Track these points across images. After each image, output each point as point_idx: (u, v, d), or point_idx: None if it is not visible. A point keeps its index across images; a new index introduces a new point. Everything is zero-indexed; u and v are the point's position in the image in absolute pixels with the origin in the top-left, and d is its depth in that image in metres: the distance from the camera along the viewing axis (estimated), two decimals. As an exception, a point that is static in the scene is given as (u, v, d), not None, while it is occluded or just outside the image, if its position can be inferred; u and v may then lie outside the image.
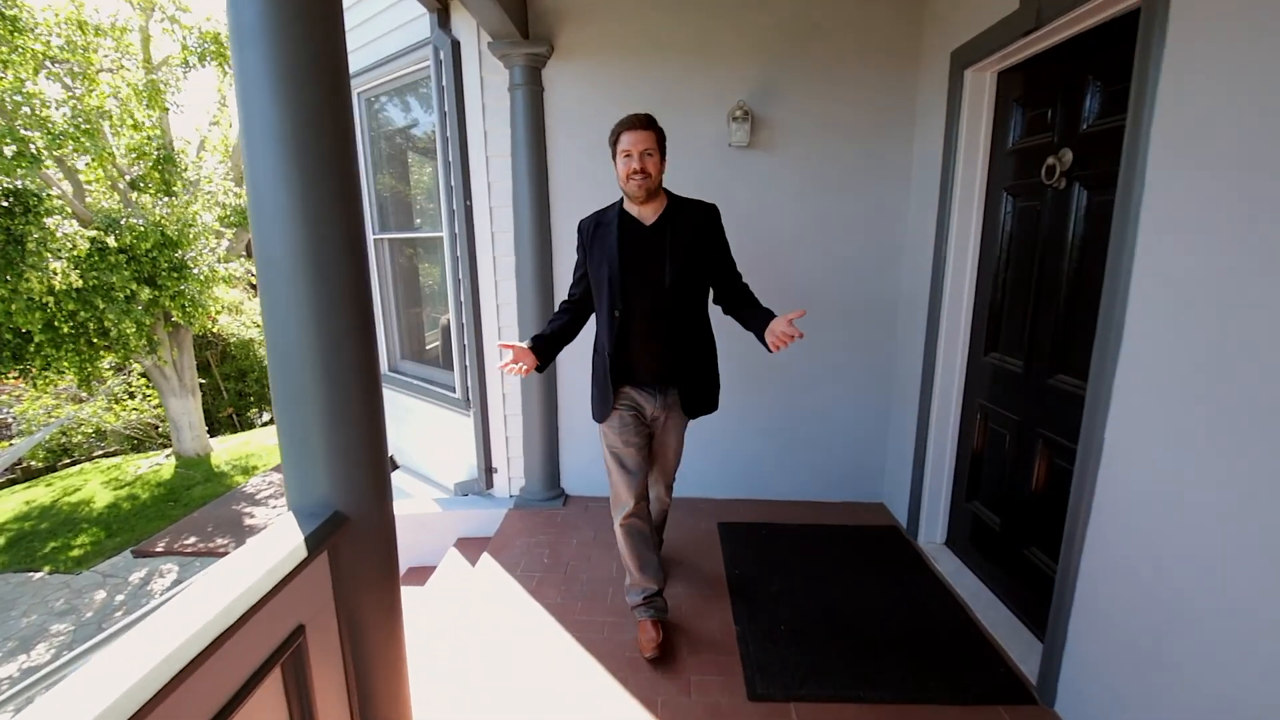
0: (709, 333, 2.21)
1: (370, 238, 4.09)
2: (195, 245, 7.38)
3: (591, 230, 2.13)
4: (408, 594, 3.41)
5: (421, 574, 3.43)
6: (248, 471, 9.31)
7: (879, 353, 3.17)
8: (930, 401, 2.77)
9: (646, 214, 2.05)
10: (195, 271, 7.28)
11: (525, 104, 2.93)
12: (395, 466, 4.46)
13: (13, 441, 10.21)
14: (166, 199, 7.18)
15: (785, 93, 2.90)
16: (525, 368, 1.99)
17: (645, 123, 1.96)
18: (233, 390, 14.96)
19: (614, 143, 2.00)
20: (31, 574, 6.74)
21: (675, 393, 2.15)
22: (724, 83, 2.90)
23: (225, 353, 14.76)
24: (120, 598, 6.10)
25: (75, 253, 6.04)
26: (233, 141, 8.90)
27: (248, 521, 5.71)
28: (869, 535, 3.00)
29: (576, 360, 3.20)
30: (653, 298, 2.03)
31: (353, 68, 3.84)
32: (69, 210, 6.46)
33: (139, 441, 12.32)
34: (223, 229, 8.26)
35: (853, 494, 3.34)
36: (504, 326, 3.28)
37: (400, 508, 3.56)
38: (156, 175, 7.09)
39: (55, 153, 5.68)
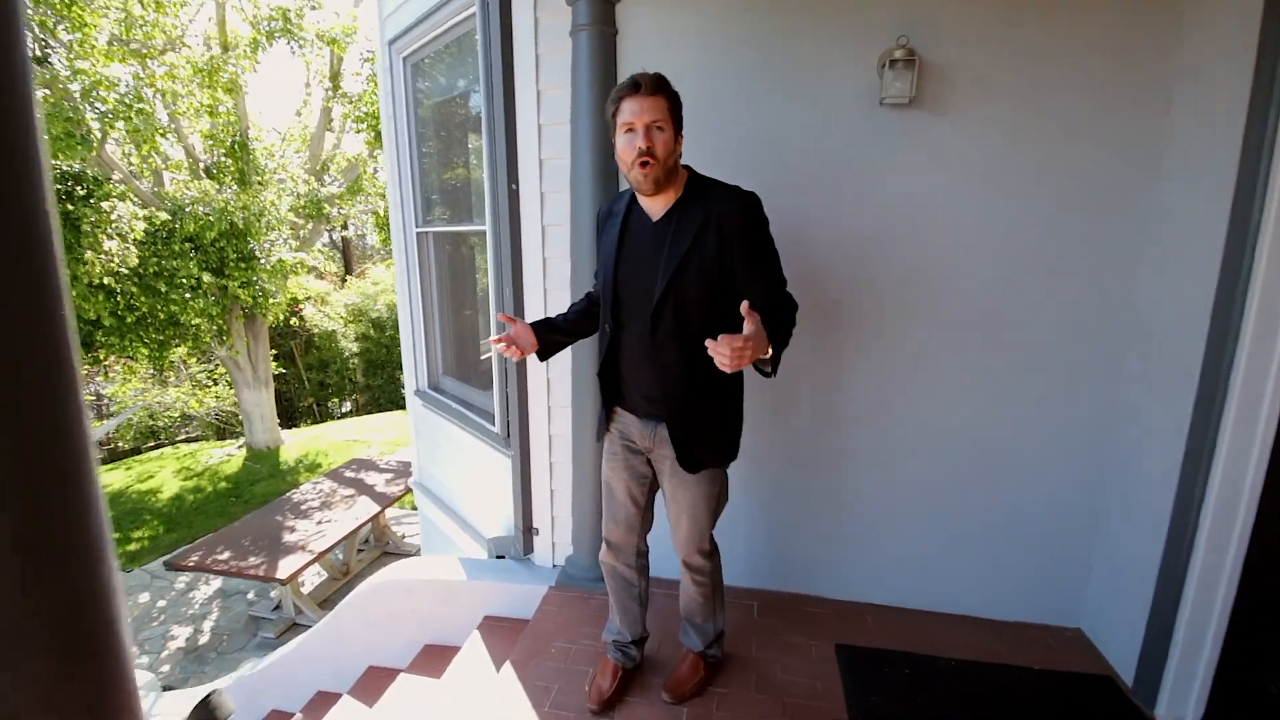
0: (725, 381, 1.71)
1: (413, 230, 3.49)
2: (266, 235, 7.26)
3: (602, 220, 1.83)
4: (418, 684, 2.78)
5: (438, 657, 2.79)
6: (312, 469, 9.21)
7: (1089, 405, 2.19)
8: (1200, 491, 1.78)
9: (655, 207, 1.65)
10: (264, 262, 7.15)
11: (591, 52, 2.17)
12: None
13: (102, 422, 10.68)
14: (237, 188, 7.09)
15: (969, 24, 1.99)
16: (520, 350, 1.73)
17: (653, 85, 1.52)
18: (314, 380, 15.31)
19: (613, 115, 1.58)
20: (90, 567, 6.75)
21: (665, 431, 1.74)
22: (873, 12, 2.02)
23: (310, 343, 15.13)
24: (162, 603, 5.93)
25: (133, 236, 5.94)
26: (311, 130, 8.83)
27: (285, 538, 5.35)
28: (1070, 690, 2.03)
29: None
30: (647, 314, 1.65)
31: (395, 27, 3.25)
32: (130, 196, 6.43)
33: (222, 428, 12.73)
34: (297, 219, 8.14)
35: (1037, 612, 2.36)
36: (559, 369, 2.54)
37: (423, 570, 2.93)
38: (230, 163, 7.03)
39: (109, 134, 5.60)
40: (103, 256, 5.73)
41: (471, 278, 3.52)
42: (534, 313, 2.53)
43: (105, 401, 11.19)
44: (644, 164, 1.52)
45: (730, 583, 2.55)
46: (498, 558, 3.03)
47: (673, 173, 1.59)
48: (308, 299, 13.91)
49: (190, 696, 3.84)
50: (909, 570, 2.42)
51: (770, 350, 1.45)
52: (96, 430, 9.96)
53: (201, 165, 7.40)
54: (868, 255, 2.19)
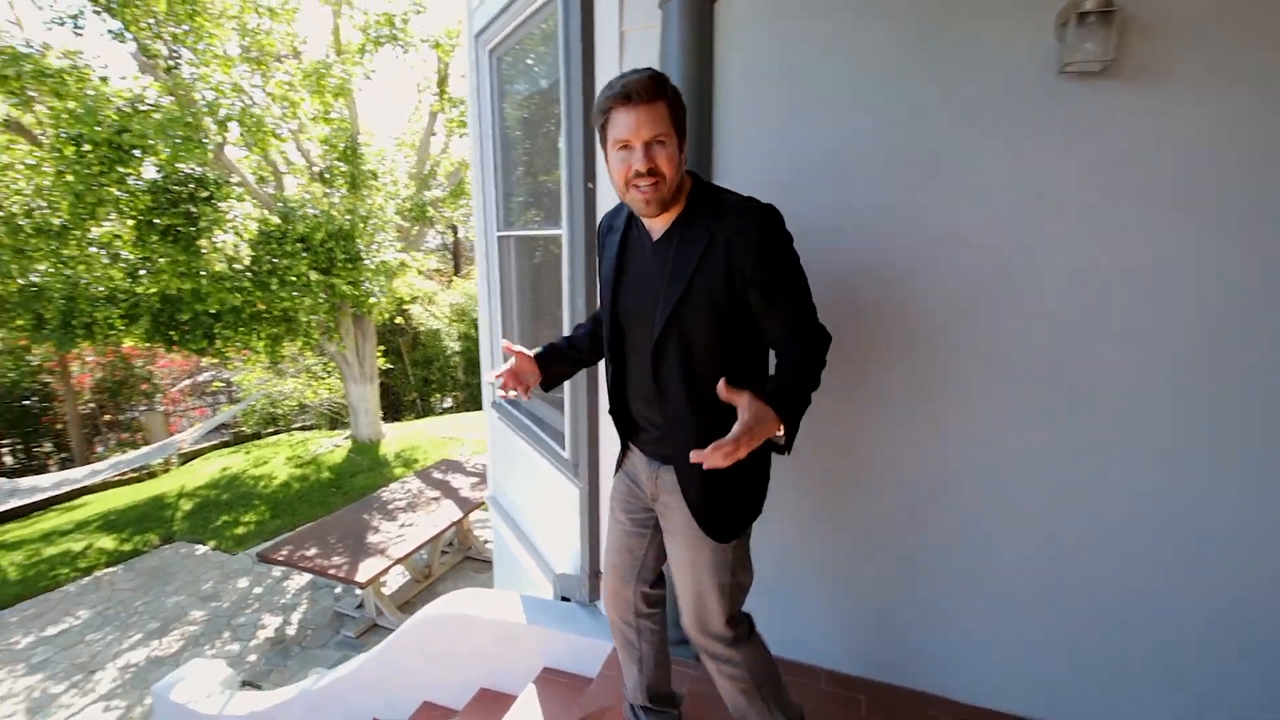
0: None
1: (494, 234, 3.30)
2: (372, 237, 7.53)
3: (602, 235, 1.59)
4: (465, 735, 2.55)
5: (494, 704, 2.57)
6: (407, 464, 9.51)
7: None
8: None
9: (656, 223, 1.41)
10: (368, 263, 7.41)
11: (683, 29, 1.84)
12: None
13: (228, 407, 11.60)
14: (346, 191, 7.39)
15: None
16: (524, 385, 1.56)
17: (651, 91, 1.25)
18: (419, 376, 16.05)
19: (601, 127, 1.32)
20: (198, 546, 7.26)
21: (673, 477, 1.47)
22: (1057, -48, 1.54)
23: (416, 340, 15.87)
24: (258, 590, 6.20)
25: (248, 236, 6.29)
26: (419, 135, 9.11)
27: (369, 538, 5.40)
28: None
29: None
30: (648, 350, 1.42)
31: (482, 18, 3.07)
32: (248, 198, 6.83)
33: (334, 418, 13.57)
34: (403, 222, 8.41)
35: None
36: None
37: (482, 606, 2.71)
38: (341, 168, 7.34)
39: (224, 137, 5.96)
40: (220, 256, 6.10)
41: (551, 286, 3.28)
42: None
43: (233, 388, 12.21)
44: (650, 184, 1.28)
45: (834, 666, 2.13)
46: (562, 599, 2.75)
47: (680, 187, 1.35)
48: (414, 299, 14.57)
49: (268, 698, 3.87)
50: (1097, 680, 1.88)
51: (782, 428, 1.23)
52: (223, 414, 10.85)
53: (316, 169, 7.80)
54: (1013, 285, 1.70)
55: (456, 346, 15.74)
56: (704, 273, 1.32)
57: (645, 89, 1.23)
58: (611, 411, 1.61)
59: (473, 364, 15.96)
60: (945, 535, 1.92)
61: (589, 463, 2.40)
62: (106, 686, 4.86)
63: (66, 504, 9.20)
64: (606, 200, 2.15)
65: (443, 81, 8.50)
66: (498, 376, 1.57)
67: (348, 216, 7.10)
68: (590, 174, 2.19)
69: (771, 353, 1.48)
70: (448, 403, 16.89)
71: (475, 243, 3.54)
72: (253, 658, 5.20)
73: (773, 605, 2.23)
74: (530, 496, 3.34)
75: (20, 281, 6.27)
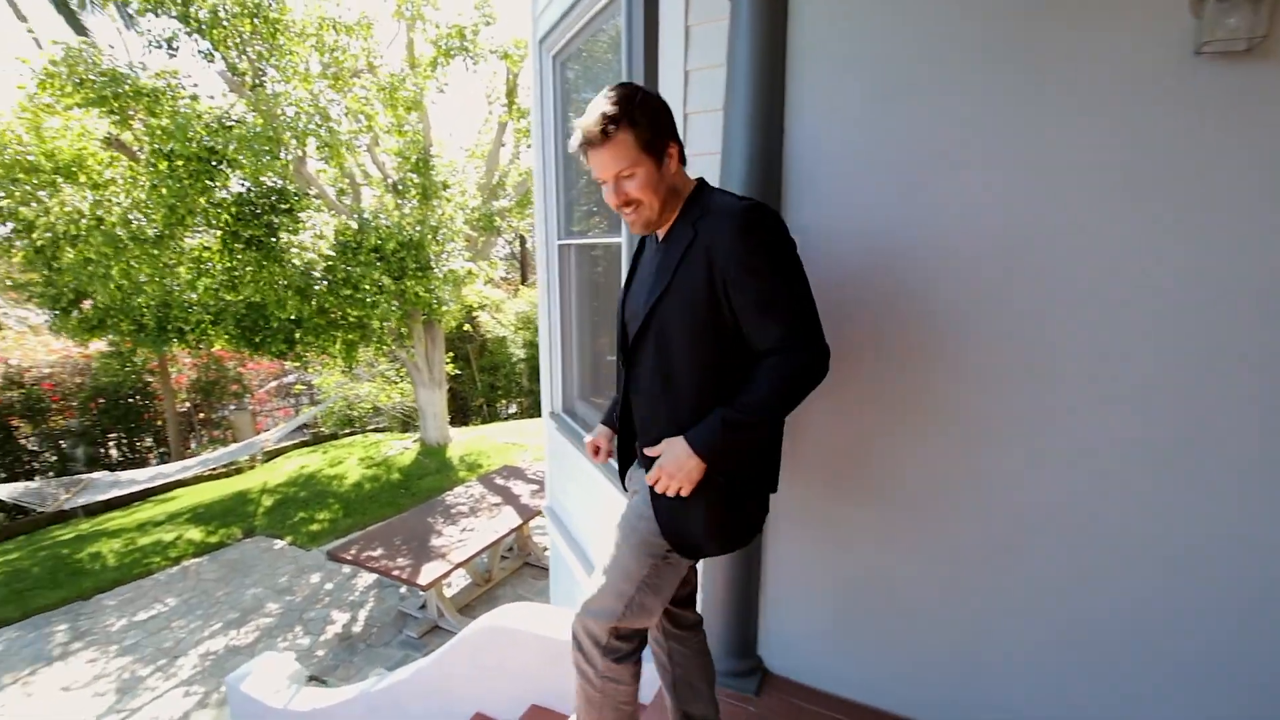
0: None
1: (554, 243, 3.27)
2: (442, 246, 7.73)
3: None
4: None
5: (542, 724, 2.48)
6: (471, 469, 9.69)
7: None
8: None
9: (661, 232, 1.43)
10: (437, 271, 7.60)
11: (755, 15, 1.72)
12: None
13: (308, 408, 12.16)
14: (418, 202, 7.63)
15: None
16: (606, 455, 1.71)
17: (601, 133, 1.24)
18: (485, 382, 16.42)
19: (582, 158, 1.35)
20: (276, 541, 7.60)
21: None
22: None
23: (483, 347, 16.25)
24: (329, 586, 6.41)
25: (324, 246, 6.57)
26: (489, 146, 9.32)
27: (433, 541, 5.49)
28: None
29: (801, 445, 1.92)
30: (633, 349, 1.43)
31: (546, 23, 3.04)
32: (325, 209, 7.13)
33: (406, 421, 14.03)
34: (471, 231, 8.61)
35: None
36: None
37: (533, 622, 2.65)
38: (414, 179, 7.58)
39: (303, 150, 6.23)
40: (296, 266, 6.39)
41: (610, 295, 3.21)
42: None
43: (314, 390, 12.81)
44: (632, 211, 1.33)
45: (909, 713, 1.94)
46: (617, 618, 2.65)
47: (669, 201, 1.34)
48: (482, 306, 14.92)
49: (330, 695, 3.94)
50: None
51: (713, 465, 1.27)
52: (304, 415, 11.39)
53: (390, 181, 8.09)
54: (1126, 297, 1.48)
55: (522, 354, 16.00)
56: (685, 271, 1.29)
57: (594, 134, 1.23)
58: (620, 420, 1.56)
59: (537, 371, 16.17)
60: (1040, 573, 1.70)
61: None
62: (188, 672, 5.11)
63: (161, 496, 9.86)
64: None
65: (511, 92, 8.68)
66: (594, 456, 1.73)
67: (418, 227, 7.32)
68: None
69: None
70: (512, 409, 17.20)
71: (536, 251, 3.52)
72: (321, 652, 5.35)
73: (840, 644, 2.06)
74: (586, 509, 3.26)
75: (121, 290, 6.75)
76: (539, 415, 15.39)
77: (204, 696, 4.78)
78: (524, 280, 19.54)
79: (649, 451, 1.37)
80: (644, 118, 1.26)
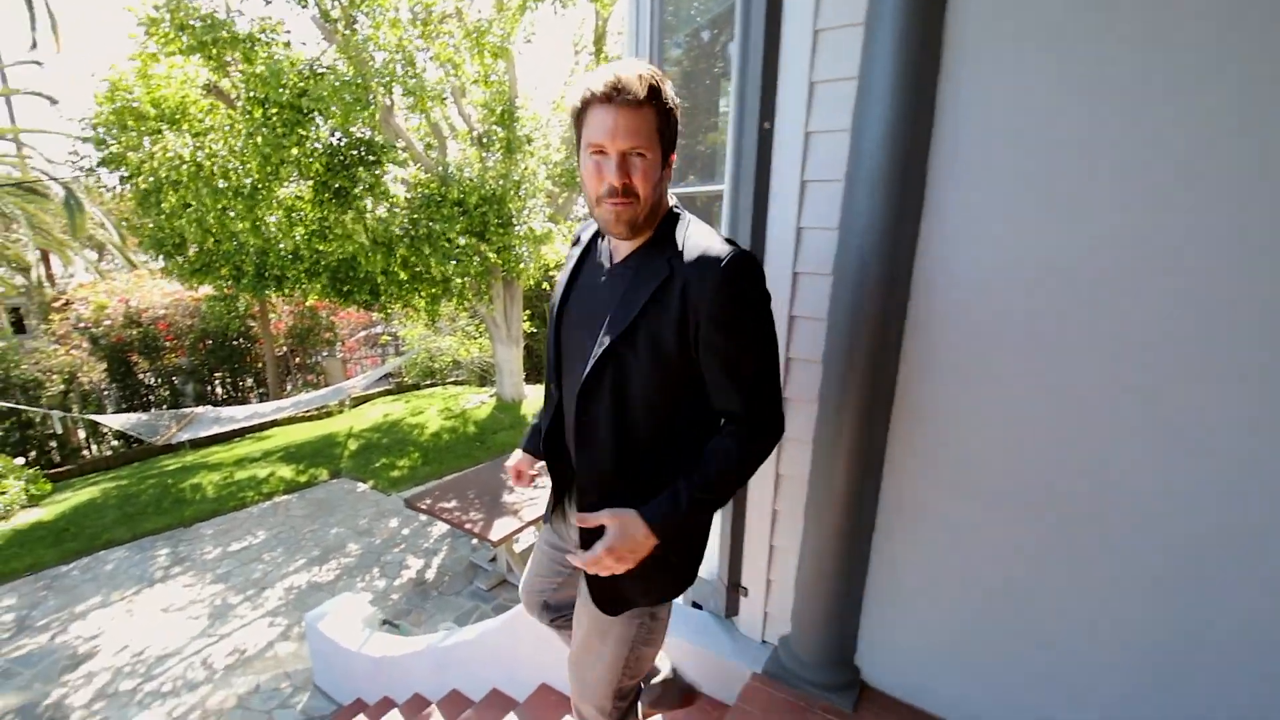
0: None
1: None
2: (524, 202, 7.60)
3: (571, 248, 1.44)
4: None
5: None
6: (544, 428, 9.75)
7: None
8: None
9: (621, 248, 1.25)
10: (518, 229, 7.50)
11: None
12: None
13: (394, 358, 12.59)
14: (502, 156, 7.49)
15: None
16: (526, 481, 1.66)
17: (639, 92, 1.05)
18: (560, 341, 16.54)
19: (576, 119, 1.14)
20: (359, 484, 7.89)
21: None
22: None
23: (560, 306, 16.30)
24: (406, 532, 6.59)
25: (405, 199, 6.55)
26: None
27: (505, 498, 5.49)
28: None
29: (919, 431, 1.63)
30: (576, 386, 1.23)
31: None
32: (410, 162, 7.09)
33: (483, 376, 14.33)
34: (554, 187, 8.43)
35: None
36: (797, 359, 1.84)
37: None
38: (498, 132, 7.44)
39: (389, 96, 6.14)
40: (374, 218, 6.42)
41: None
42: (776, 303, 1.84)
43: (399, 342, 13.23)
44: (622, 201, 1.12)
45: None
46: (694, 605, 2.45)
47: (655, 210, 1.19)
48: (560, 266, 14.90)
49: (400, 644, 3.99)
50: None
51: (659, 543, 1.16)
52: (389, 365, 11.79)
53: (475, 134, 8.01)
54: None
55: (598, 314, 15.98)
56: (653, 313, 1.15)
57: (633, 89, 1.06)
58: (546, 453, 1.44)
59: (612, 333, 16.15)
60: (1229, 609, 1.34)
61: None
62: (273, 603, 5.36)
63: (258, 434, 10.49)
64: (788, 143, 1.75)
65: (600, 39, 8.35)
66: (513, 480, 1.71)
67: (501, 181, 7.20)
68: (768, 110, 1.78)
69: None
70: (585, 369, 17.29)
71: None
72: (395, 595, 5.49)
73: (953, 663, 1.78)
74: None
75: (213, 235, 7.02)
76: (612, 378, 15.45)
77: (286, 629, 4.99)
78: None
79: (589, 521, 1.21)
80: (671, 105, 1.13)
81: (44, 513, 7.20)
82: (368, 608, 4.39)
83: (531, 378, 14.01)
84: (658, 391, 1.18)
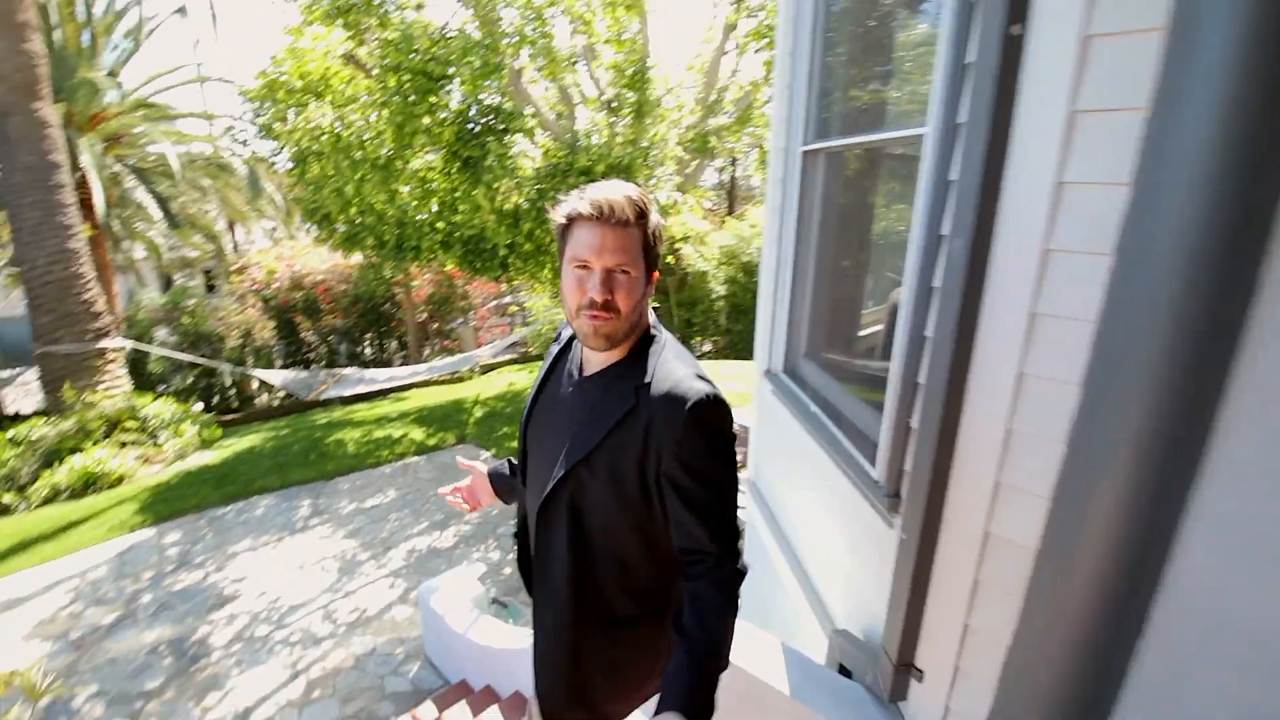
0: (634, 612, 1.26)
1: (797, 150, 2.43)
2: (651, 171, 7.17)
3: (553, 344, 1.42)
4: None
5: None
6: (662, 407, 9.43)
7: None
8: None
9: (592, 360, 1.23)
10: (643, 198, 7.05)
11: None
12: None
13: (520, 329, 12.81)
14: (631, 120, 7.07)
15: None
16: (476, 503, 1.59)
17: (627, 214, 1.08)
18: (682, 318, 16.09)
19: (562, 234, 1.15)
20: (482, 451, 7.99)
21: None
22: None
23: (683, 281, 15.84)
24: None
25: (522, 173, 6.32)
26: (709, 58, 8.40)
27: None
28: None
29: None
30: (535, 502, 1.24)
31: None
32: (539, 130, 6.84)
33: (605, 348, 14.28)
34: (683, 153, 7.90)
35: None
36: (1033, 375, 1.25)
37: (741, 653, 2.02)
38: (629, 97, 7.02)
39: (516, 58, 5.87)
40: (501, 191, 6.25)
41: (871, 219, 2.32)
42: (1005, 282, 1.27)
43: (525, 312, 13.46)
44: (601, 316, 1.09)
45: None
46: (840, 669, 1.94)
47: (634, 326, 1.16)
48: (685, 238, 14.38)
49: (505, 635, 3.82)
50: None
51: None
52: (515, 335, 12.00)
53: (604, 98, 7.64)
54: None
55: (722, 290, 15.30)
56: (614, 446, 1.13)
57: (621, 211, 1.07)
58: (518, 540, 1.44)
59: (737, 310, 15.45)
60: None
61: (926, 506, 1.49)
62: (396, 564, 5.47)
63: (397, 395, 11.06)
64: (1046, 59, 1.14)
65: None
66: (453, 492, 1.60)
67: (629, 148, 6.80)
68: (1018, 13, 1.18)
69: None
70: (706, 347, 16.77)
71: (770, 164, 2.71)
72: (507, 570, 5.41)
73: None
74: (803, 503, 2.54)
75: (352, 205, 7.23)
76: (735, 358, 14.81)
77: (404, 592, 5.05)
78: (730, 211, 18.62)
79: None
80: (657, 226, 1.15)
81: (212, 456, 7.96)
82: (478, 586, 4.28)
83: (652, 353, 13.75)
84: (617, 525, 1.18)
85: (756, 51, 7.54)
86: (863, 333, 2.28)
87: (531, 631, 1.38)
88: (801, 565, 2.58)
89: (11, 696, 2.59)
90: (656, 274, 1.17)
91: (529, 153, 6.41)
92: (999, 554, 1.41)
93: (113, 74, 12.04)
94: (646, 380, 1.13)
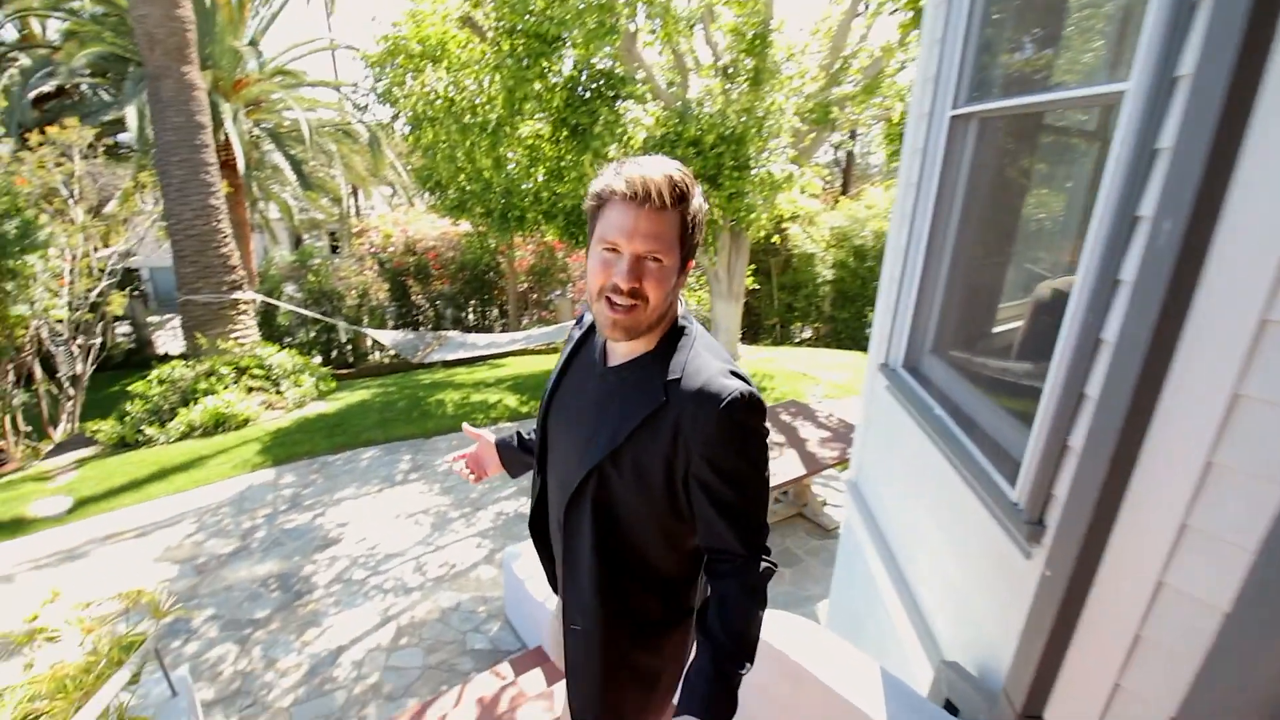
0: (660, 613, 1.24)
1: (944, 114, 2.16)
2: (765, 142, 6.84)
3: (574, 326, 1.37)
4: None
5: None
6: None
7: None
8: None
9: (618, 350, 1.17)
10: (755, 172, 6.78)
11: None
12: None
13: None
14: (747, 88, 6.74)
15: None
16: (482, 471, 1.59)
17: (667, 197, 1.01)
18: (783, 302, 15.59)
19: (593, 214, 1.08)
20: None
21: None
22: None
23: (787, 263, 15.30)
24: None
25: (634, 142, 6.17)
26: (837, 19, 7.86)
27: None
28: None
29: None
30: (562, 502, 1.20)
31: None
32: (649, 95, 6.66)
33: (699, 329, 14.08)
34: (800, 125, 7.47)
35: None
36: (1251, 398, 1.00)
37: (829, 665, 1.88)
38: (746, 61, 6.68)
39: (632, 18, 5.67)
40: (611, 158, 6.15)
41: (1028, 197, 2.02)
42: (1218, 309, 1.01)
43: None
44: (618, 306, 1.03)
45: None
46: (947, 705, 1.74)
47: (663, 319, 1.11)
48: (794, 217, 13.82)
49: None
50: None
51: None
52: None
53: (720, 64, 7.34)
54: None
55: (829, 274, 14.64)
56: (641, 441, 1.09)
57: (660, 193, 1.00)
58: (533, 538, 1.39)
59: (843, 297, 14.77)
60: None
61: (1082, 538, 1.26)
62: (483, 525, 5.66)
63: (495, 362, 11.44)
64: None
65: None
66: (457, 459, 1.61)
67: (743, 117, 6.50)
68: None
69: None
70: (807, 333, 16.19)
71: (908, 135, 2.44)
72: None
73: None
74: (917, 517, 2.31)
75: (464, 173, 7.40)
76: (838, 346, 14.20)
77: (490, 554, 5.20)
78: (844, 191, 17.71)
79: None
80: (698, 212, 1.08)
81: (326, 407, 8.57)
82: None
83: (747, 337, 13.45)
84: (643, 521, 1.16)
85: (892, 13, 6.95)
86: (1006, 329, 2.00)
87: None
88: (906, 581, 2.36)
89: (139, 614, 2.86)
90: (691, 263, 1.12)
91: (642, 120, 6.25)
92: (1174, 608, 1.18)
93: (253, 42, 13.04)
94: (677, 376, 1.08)
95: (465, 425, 1.64)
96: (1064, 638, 1.36)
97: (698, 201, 1.07)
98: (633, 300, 1.03)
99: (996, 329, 2.06)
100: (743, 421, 1.05)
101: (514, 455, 1.55)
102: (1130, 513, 1.19)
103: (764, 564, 1.12)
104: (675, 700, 1.22)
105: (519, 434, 1.56)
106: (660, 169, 1.01)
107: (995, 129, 1.99)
